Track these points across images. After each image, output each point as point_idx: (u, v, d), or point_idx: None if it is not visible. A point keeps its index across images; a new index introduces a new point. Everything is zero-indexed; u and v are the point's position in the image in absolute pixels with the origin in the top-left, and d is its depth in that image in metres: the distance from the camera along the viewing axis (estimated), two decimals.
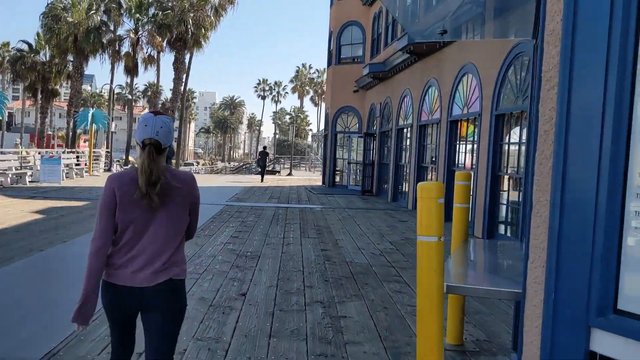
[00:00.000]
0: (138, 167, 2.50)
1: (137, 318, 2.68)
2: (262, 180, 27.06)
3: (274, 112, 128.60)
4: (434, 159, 14.09)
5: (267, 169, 30.04)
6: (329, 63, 25.42)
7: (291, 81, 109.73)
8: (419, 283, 3.03)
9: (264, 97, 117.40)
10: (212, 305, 5.49)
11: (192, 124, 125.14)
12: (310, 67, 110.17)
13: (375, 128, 21.16)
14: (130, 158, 41.81)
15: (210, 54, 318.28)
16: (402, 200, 17.20)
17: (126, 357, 2.72)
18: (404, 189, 17.41)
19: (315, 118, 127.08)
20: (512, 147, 10.13)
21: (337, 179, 24.95)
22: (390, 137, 18.65)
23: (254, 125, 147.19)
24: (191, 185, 2.65)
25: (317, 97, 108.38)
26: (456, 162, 12.81)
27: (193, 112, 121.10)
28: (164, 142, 2.55)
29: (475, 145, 11.58)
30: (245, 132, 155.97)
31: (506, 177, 10.29)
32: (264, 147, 30.43)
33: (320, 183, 26.72)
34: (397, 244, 9.56)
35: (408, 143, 16.71)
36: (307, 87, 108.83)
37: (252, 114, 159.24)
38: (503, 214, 10.31)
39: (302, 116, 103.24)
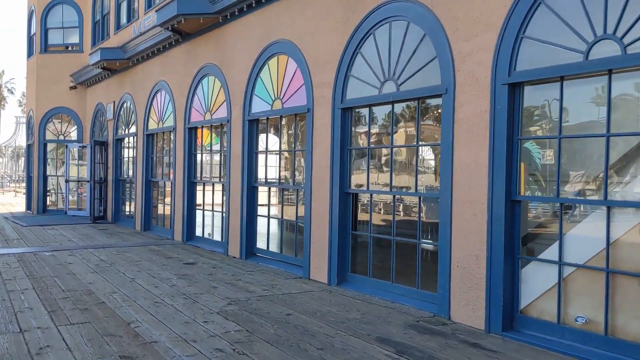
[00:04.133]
0: None
1: None
2: None
3: None
4: (220, 173, 10.44)
5: None
6: (31, 52, 19.47)
7: None
8: None
9: None
10: None
11: None
12: None
13: (106, 135, 16.37)
14: None
15: None
16: (160, 229, 13.04)
17: None
18: (161, 213, 13.28)
19: None
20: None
21: (48, 202, 19.17)
22: (135, 146, 14.26)
23: None
24: None
25: None
26: (262, 177, 9.43)
27: None
28: None
29: (301, 155, 8.46)
30: None
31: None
32: None
33: (23, 209, 20.36)
34: (232, 315, 5.80)
35: (168, 153, 12.69)
36: None
37: None
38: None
39: None
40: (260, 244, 9.41)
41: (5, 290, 6.90)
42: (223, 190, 10.56)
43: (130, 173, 15.11)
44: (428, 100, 6.32)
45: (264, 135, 9.41)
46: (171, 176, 12.29)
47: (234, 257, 9.61)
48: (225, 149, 10.30)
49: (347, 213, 7.35)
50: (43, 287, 7.06)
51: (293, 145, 8.71)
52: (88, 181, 17.19)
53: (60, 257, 9.45)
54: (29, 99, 20.26)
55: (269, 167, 9.27)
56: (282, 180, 9.12)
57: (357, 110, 7.28)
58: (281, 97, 8.61)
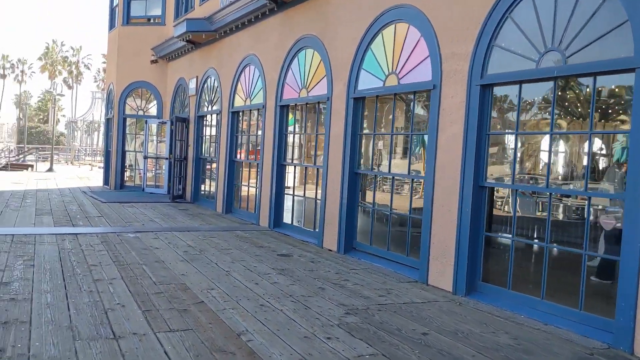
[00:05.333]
0: None
1: None
2: None
3: (16, 95, 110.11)
4: (315, 155, 9.43)
5: (16, 162, 28.39)
6: (112, 24, 19.09)
7: (39, 59, 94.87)
8: None
9: (4, 77, 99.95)
10: None
11: None
12: (63, 44, 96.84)
13: (187, 111, 15.74)
14: None
15: None
16: (243, 212, 12.26)
17: None
18: (244, 195, 12.48)
19: (68, 102, 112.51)
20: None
21: (125, 177, 18.84)
22: (219, 123, 13.51)
23: None
24: None
25: (71, 79, 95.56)
26: (367, 163, 8.39)
27: None
28: None
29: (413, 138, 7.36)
30: None
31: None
32: None
33: (100, 183, 20.20)
34: (356, 329, 4.80)
35: (253, 131, 11.84)
36: (59, 67, 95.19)
37: None
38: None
39: (58, 99, 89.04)
40: (361, 237, 8.40)
41: (91, 278, 6.17)
42: (318, 176, 9.61)
43: (212, 152, 14.42)
44: (608, 77, 5.07)
45: (372, 115, 8.34)
46: (258, 157, 11.44)
47: (330, 251, 8.65)
48: (308, 129, 9.30)
49: (480, 210, 6.20)
50: (132, 278, 6.29)
51: (410, 128, 7.58)
52: (167, 158, 16.70)
53: (145, 240, 8.76)
54: (109, 73, 19.98)
55: (377, 152, 8.21)
56: (392, 169, 8.03)
57: (501, 87, 6.09)
58: (397, 71, 7.50)
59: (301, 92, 9.87)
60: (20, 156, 43.90)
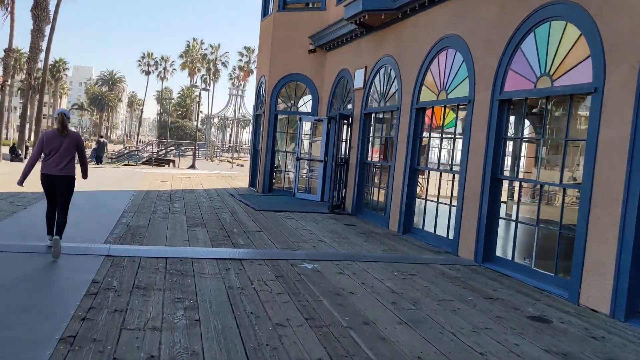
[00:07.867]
0: (57, 117, 6.58)
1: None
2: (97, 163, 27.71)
3: (157, 91, 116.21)
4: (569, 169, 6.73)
5: (159, 157, 30.18)
6: (265, 11, 17.43)
7: (180, 56, 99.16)
8: None
9: (148, 73, 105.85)
10: None
11: (64, 99, 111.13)
12: (202, 43, 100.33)
13: (350, 108, 13.54)
14: None
15: (86, 21, 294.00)
16: (427, 235, 9.76)
17: (53, 209, 6.72)
18: (429, 212, 9.98)
19: (205, 99, 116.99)
20: None
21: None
22: (393, 122, 11.13)
23: (135, 104, 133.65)
24: (77, 135, 6.82)
25: (209, 76, 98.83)
26: None
27: (65, 86, 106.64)
28: (67, 115, 6.65)
29: None
30: (126, 111, 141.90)
31: None
32: (101, 137, 32.06)
33: (244, 184, 18.71)
34: None
35: (447, 134, 9.29)
36: (198, 64, 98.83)
37: (133, 92, 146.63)
38: None
39: (197, 94, 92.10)
40: None
41: (288, 359, 3.96)
42: (564, 195, 6.89)
43: (382, 156, 12.10)
44: None
45: None
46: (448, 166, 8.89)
47: (596, 312, 5.90)
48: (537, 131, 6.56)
49: None
50: None
51: None
52: (321, 161, 14.70)
53: (328, 276, 6.53)
54: (260, 64, 18.39)
55: None
56: None
57: None
58: None
59: (539, 81, 7.18)
60: (162, 151, 44.81)
